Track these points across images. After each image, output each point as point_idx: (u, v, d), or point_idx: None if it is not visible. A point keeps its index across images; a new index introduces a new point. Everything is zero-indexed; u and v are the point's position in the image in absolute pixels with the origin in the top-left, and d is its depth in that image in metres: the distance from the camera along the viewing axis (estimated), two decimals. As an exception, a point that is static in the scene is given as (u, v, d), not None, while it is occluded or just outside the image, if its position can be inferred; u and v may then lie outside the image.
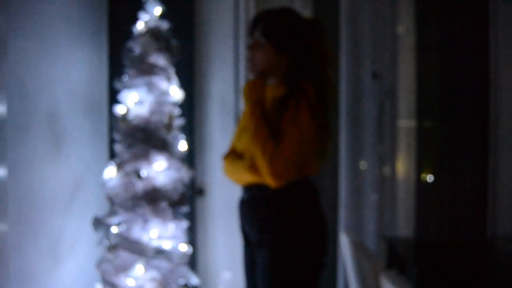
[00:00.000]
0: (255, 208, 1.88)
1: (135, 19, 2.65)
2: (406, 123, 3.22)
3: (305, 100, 1.77)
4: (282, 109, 1.79)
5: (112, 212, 2.57)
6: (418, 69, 3.16)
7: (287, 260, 1.81)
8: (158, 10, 2.66)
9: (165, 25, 2.67)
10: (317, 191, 1.92)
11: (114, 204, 2.56)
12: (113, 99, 2.78)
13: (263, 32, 1.85)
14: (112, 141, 2.75)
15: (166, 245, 2.57)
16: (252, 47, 1.89)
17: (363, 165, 3.17)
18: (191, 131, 3.12)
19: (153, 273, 2.53)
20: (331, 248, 3.23)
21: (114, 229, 2.55)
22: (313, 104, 1.78)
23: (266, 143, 1.76)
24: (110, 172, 2.58)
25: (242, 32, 3.15)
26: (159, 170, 2.58)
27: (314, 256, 1.86)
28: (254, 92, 1.87)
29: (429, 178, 3.21)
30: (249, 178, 1.85)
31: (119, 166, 2.57)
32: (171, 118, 2.63)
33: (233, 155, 1.95)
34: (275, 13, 1.91)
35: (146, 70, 2.58)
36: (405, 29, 3.23)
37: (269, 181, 1.76)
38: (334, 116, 3.19)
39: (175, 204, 2.59)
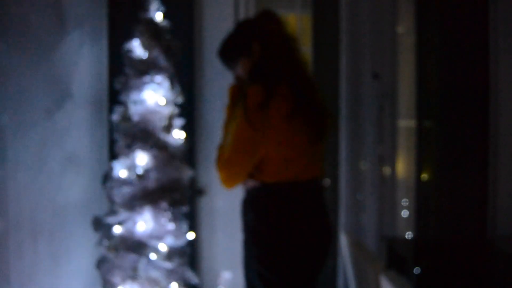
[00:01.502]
0: (242, 209, 1.97)
1: (135, 19, 2.65)
2: (406, 123, 3.22)
3: (244, 104, 1.75)
4: (231, 115, 1.87)
5: (112, 212, 2.57)
6: (418, 69, 3.16)
7: (249, 262, 1.88)
8: (158, 10, 2.66)
9: (165, 25, 2.67)
10: (272, 199, 1.83)
11: (114, 204, 2.56)
12: (113, 99, 2.78)
13: (223, 60, 2.01)
14: (112, 141, 2.75)
15: (166, 245, 2.57)
16: (235, 68, 2.00)
17: (363, 165, 3.17)
18: (191, 131, 3.12)
19: (153, 273, 2.53)
20: (332, 248, 3.24)
21: (114, 229, 2.55)
22: (250, 107, 1.72)
23: (217, 149, 1.90)
24: (111, 172, 2.58)
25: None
26: (158, 169, 2.58)
27: (289, 260, 1.80)
28: (228, 97, 2.00)
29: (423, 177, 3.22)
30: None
31: (119, 166, 2.57)
32: (171, 118, 2.63)
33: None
34: (224, 37, 2.03)
35: (146, 70, 2.58)
36: (405, 29, 3.23)
37: (222, 185, 1.87)
38: (334, 116, 3.20)
39: (175, 204, 2.60)
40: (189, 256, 2.70)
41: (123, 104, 2.61)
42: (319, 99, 1.90)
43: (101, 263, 2.55)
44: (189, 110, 3.08)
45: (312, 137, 1.81)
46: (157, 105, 2.61)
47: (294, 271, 1.81)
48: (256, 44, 1.85)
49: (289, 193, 1.82)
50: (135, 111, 2.59)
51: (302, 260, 1.82)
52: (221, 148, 1.90)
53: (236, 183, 1.86)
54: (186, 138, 2.72)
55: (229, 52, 1.95)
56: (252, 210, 1.86)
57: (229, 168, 1.81)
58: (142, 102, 2.60)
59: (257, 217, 1.84)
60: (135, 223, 2.54)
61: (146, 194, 2.53)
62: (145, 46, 2.60)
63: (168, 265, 2.56)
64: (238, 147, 1.77)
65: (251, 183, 1.86)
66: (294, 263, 1.80)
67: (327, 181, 3.17)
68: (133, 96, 2.59)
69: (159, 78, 2.60)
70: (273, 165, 1.79)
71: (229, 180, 1.84)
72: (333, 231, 1.97)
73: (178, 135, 2.68)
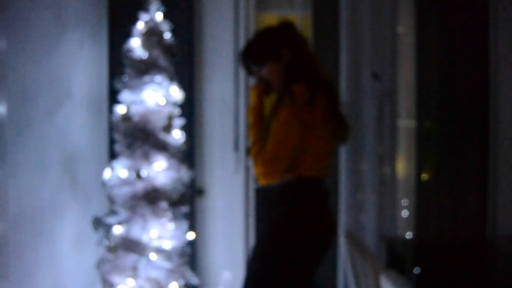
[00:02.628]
0: (262, 207, 2.11)
1: (135, 19, 2.65)
2: (406, 123, 3.22)
3: (289, 100, 1.88)
4: (273, 113, 1.95)
5: (112, 212, 2.57)
6: (418, 69, 3.16)
7: (264, 253, 1.97)
8: (158, 10, 2.66)
9: (165, 25, 2.67)
10: (322, 192, 2.03)
11: (114, 204, 2.56)
12: (113, 99, 2.78)
13: (251, 62, 2.10)
14: (112, 141, 2.75)
15: (166, 245, 2.57)
16: (259, 69, 2.10)
17: (363, 165, 3.17)
18: (191, 131, 3.12)
19: (153, 273, 2.53)
20: (332, 248, 3.23)
21: (114, 229, 2.55)
22: (298, 104, 1.88)
23: (254, 146, 2.00)
24: (110, 172, 2.58)
25: (242, 32, 3.15)
26: (159, 170, 2.58)
27: (289, 253, 1.94)
28: (251, 99, 2.12)
29: (423, 177, 3.21)
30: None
31: (119, 166, 2.57)
32: (171, 118, 2.63)
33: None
34: (249, 43, 2.15)
35: (146, 70, 2.58)
36: (405, 29, 3.23)
37: (259, 179, 1.95)
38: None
39: (175, 204, 2.60)
40: (189, 256, 2.70)
41: (123, 104, 2.61)
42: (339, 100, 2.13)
43: (101, 263, 2.55)
44: (189, 110, 3.08)
45: (341, 136, 2.10)
46: (157, 105, 2.61)
47: (311, 265, 2.00)
48: (285, 50, 2.03)
49: (319, 188, 2.02)
50: (135, 111, 2.59)
51: (317, 254, 2.00)
52: (256, 144, 1.99)
53: (277, 177, 1.94)
54: (186, 138, 2.72)
55: (256, 57, 2.09)
56: (285, 202, 1.97)
57: (275, 163, 1.90)
58: (142, 102, 2.59)
59: (290, 209, 1.95)
60: (135, 223, 2.54)
61: (146, 194, 2.53)
62: (145, 46, 2.60)
63: (168, 265, 2.56)
64: (286, 143, 1.89)
65: (285, 177, 1.97)
66: (313, 257, 1.99)
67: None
68: (133, 96, 2.59)
69: (159, 78, 2.60)
70: (311, 160, 1.95)
71: (271, 174, 1.92)
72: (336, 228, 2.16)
73: (178, 135, 2.68)
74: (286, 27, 2.09)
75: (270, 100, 2.10)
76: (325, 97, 1.99)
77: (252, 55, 2.10)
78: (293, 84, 1.93)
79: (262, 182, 1.95)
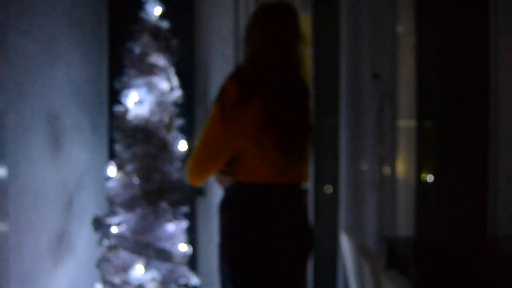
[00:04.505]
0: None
1: (135, 19, 2.65)
2: (406, 123, 3.22)
3: (218, 102, 1.68)
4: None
5: (112, 212, 2.57)
6: (418, 69, 3.16)
7: (219, 261, 1.82)
8: (158, 10, 2.66)
9: (165, 25, 2.67)
10: (263, 198, 1.73)
11: (114, 204, 2.56)
12: (113, 99, 2.78)
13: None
14: (112, 141, 2.75)
15: (166, 245, 2.57)
16: None
17: (363, 165, 3.17)
18: (191, 131, 3.12)
19: (153, 273, 2.53)
20: (332, 248, 3.24)
21: (114, 229, 2.55)
22: (225, 102, 1.65)
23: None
24: (110, 172, 2.58)
25: (242, 32, 3.15)
26: (159, 170, 2.57)
27: (230, 263, 1.74)
28: None
29: (429, 178, 3.21)
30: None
31: (119, 166, 2.57)
32: (171, 118, 2.63)
33: None
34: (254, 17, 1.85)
35: (146, 70, 2.58)
36: (405, 29, 3.23)
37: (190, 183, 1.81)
38: (334, 116, 3.20)
39: (175, 204, 2.59)
40: (189, 256, 2.70)
41: (123, 104, 2.61)
42: (301, 109, 1.78)
43: (101, 263, 2.55)
44: (189, 110, 3.08)
45: (282, 149, 1.69)
46: (157, 105, 2.61)
47: (265, 276, 1.71)
48: (253, 33, 1.79)
49: (264, 195, 1.72)
50: (135, 111, 2.59)
51: (274, 265, 1.70)
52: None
53: (202, 180, 1.79)
54: (186, 138, 2.72)
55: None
56: (227, 209, 1.79)
57: (198, 162, 1.73)
58: (142, 102, 2.60)
59: (231, 217, 1.76)
60: (135, 223, 2.54)
61: (146, 194, 2.53)
62: (145, 46, 2.60)
63: (168, 265, 2.56)
64: (209, 144, 1.72)
65: (227, 182, 1.78)
66: (265, 267, 1.70)
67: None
68: (133, 96, 2.59)
69: (159, 78, 2.60)
70: (250, 165, 1.70)
71: (194, 177, 1.77)
72: (312, 237, 1.82)
73: (178, 135, 2.68)
74: (274, 10, 1.74)
75: None
76: (267, 104, 1.65)
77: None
78: (230, 79, 1.69)
79: (190, 182, 1.79)
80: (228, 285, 1.78)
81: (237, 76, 1.70)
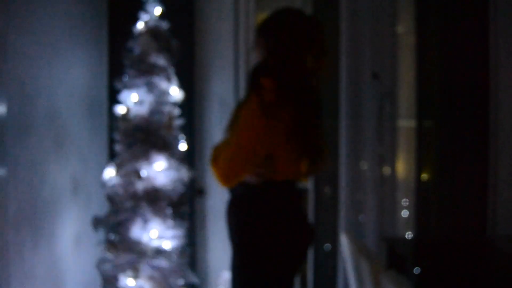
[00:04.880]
0: (227, 210, 1.88)
1: (135, 19, 2.65)
2: (406, 123, 3.22)
3: (255, 96, 1.69)
4: (238, 108, 1.77)
5: (112, 212, 2.57)
6: (418, 69, 3.16)
7: (239, 261, 1.79)
8: (158, 10, 2.66)
9: (165, 25, 2.67)
10: (290, 197, 1.81)
11: (114, 204, 2.55)
12: (113, 99, 2.78)
13: (261, 33, 1.85)
14: (112, 141, 2.75)
15: (166, 245, 2.57)
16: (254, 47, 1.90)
17: (363, 165, 3.17)
18: (191, 131, 3.12)
19: (153, 273, 2.53)
20: (332, 248, 3.24)
21: (114, 229, 2.55)
22: (267, 102, 1.67)
23: (214, 147, 1.83)
24: (110, 172, 2.58)
25: (242, 32, 3.15)
26: (159, 170, 2.58)
27: (273, 261, 1.75)
28: None
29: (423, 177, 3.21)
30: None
31: (119, 166, 2.57)
32: (171, 118, 2.63)
33: None
34: (271, 13, 1.87)
35: (146, 70, 2.58)
36: (405, 29, 3.23)
37: (219, 183, 1.76)
38: (334, 116, 3.20)
39: (175, 204, 2.59)
40: (189, 256, 2.70)
41: (123, 104, 2.61)
42: (319, 117, 1.86)
43: (101, 263, 2.55)
44: (189, 110, 3.08)
45: (305, 151, 1.78)
46: (157, 105, 2.61)
47: (290, 265, 1.79)
48: (280, 35, 1.81)
49: (289, 191, 1.81)
50: (135, 111, 2.59)
51: (296, 255, 1.81)
52: (219, 147, 1.84)
53: (237, 180, 1.75)
54: (186, 138, 2.72)
55: (264, 27, 1.86)
56: (256, 207, 1.77)
57: (236, 161, 1.70)
58: (142, 102, 2.60)
59: (261, 214, 1.76)
60: (135, 223, 2.54)
61: (146, 194, 2.53)
62: (145, 46, 2.60)
63: (168, 265, 2.56)
64: (250, 142, 1.70)
65: (253, 180, 1.78)
66: (292, 257, 1.80)
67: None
68: (133, 96, 2.59)
69: (159, 78, 2.60)
70: (283, 163, 1.75)
71: (232, 176, 1.72)
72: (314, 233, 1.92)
73: (178, 135, 2.68)
74: (307, 22, 1.81)
75: None
76: (296, 109, 1.73)
77: (262, 26, 1.84)
78: (265, 77, 1.73)
79: (223, 184, 1.74)
80: (253, 278, 1.78)
81: (273, 76, 1.73)
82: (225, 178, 1.74)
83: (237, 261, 1.81)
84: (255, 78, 1.77)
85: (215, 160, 1.79)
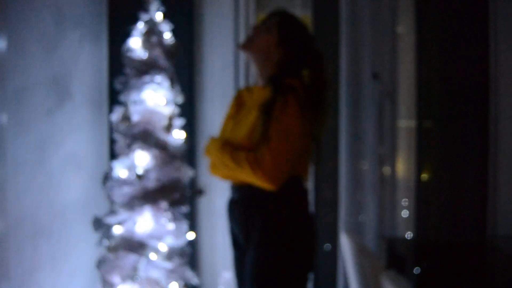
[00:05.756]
0: (244, 208, 1.83)
1: (135, 19, 2.65)
2: (406, 123, 3.22)
3: (293, 97, 1.72)
4: (271, 109, 1.74)
5: (112, 212, 2.57)
6: (418, 69, 3.16)
7: (273, 260, 1.75)
8: (158, 10, 2.66)
9: (165, 25, 2.67)
10: (306, 192, 1.87)
11: (114, 204, 2.55)
12: (113, 99, 2.78)
13: (279, 22, 1.88)
14: (112, 141, 2.75)
15: (166, 245, 2.57)
16: (258, 29, 1.91)
17: (363, 165, 3.17)
18: (191, 131, 3.12)
19: (153, 273, 2.53)
20: (332, 248, 3.24)
21: (114, 229, 2.55)
22: (302, 100, 1.74)
23: (242, 160, 1.74)
24: (111, 172, 2.58)
25: (242, 32, 3.15)
26: (159, 170, 2.57)
27: (299, 257, 1.78)
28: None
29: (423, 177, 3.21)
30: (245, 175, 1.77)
31: (119, 166, 2.57)
32: (171, 118, 2.63)
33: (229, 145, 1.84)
34: (293, 16, 1.95)
35: (146, 70, 2.58)
36: (405, 29, 3.23)
37: (265, 186, 1.72)
38: (334, 116, 3.20)
39: (175, 204, 2.59)
40: (189, 256, 2.70)
41: (123, 104, 2.61)
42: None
43: (101, 263, 2.55)
44: (189, 110, 3.08)
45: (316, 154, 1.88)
46: (157, 105, 2.61)
47: (307, 269, 1.82)
48: (289, 34, 1.92)
49: (302, 187, 1.87)
50: (135, 111, 2.59)
51: (312, 255, 1.84)
52: (241, 158, 1.76)
53: (284, 181, 1.74)
54: (186, 138, 2.72)
55: (290, 29, 1.93)
56: (279, 202, 1.77)
57: (283, 162, 1.71)
58: (142, 102, 2.59)
59: (286, 210, 1.78)
60: (135, 223, 2.54)
61: (146, 194, 2.53)
62: (145, 46, 2.60)
63: (168, 265, 2.56)
64: (294, 143, 1.73)
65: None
66: (312, 252, 1.84)
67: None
68: (133, 96, 2.59)
69: (159, 78, 2.60)
70: (304, 159, 1.83)
71: (280, 177, 1.71)
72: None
73: (178, 135, 2.68)
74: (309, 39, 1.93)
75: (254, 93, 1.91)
76: (314, 114, 1.80)
77: (287, 26, 1.89)
78: (287, 78, 1.80)
79: (268, 187, 1.71)
80: (292, 274, 1.78)
81: (297, 76, 1.84)
82: (275, 181, 1.71)
83: (261, 260, 1.76)
84: (279, 80, 1.81)
85: (239, 164, 1.74)
